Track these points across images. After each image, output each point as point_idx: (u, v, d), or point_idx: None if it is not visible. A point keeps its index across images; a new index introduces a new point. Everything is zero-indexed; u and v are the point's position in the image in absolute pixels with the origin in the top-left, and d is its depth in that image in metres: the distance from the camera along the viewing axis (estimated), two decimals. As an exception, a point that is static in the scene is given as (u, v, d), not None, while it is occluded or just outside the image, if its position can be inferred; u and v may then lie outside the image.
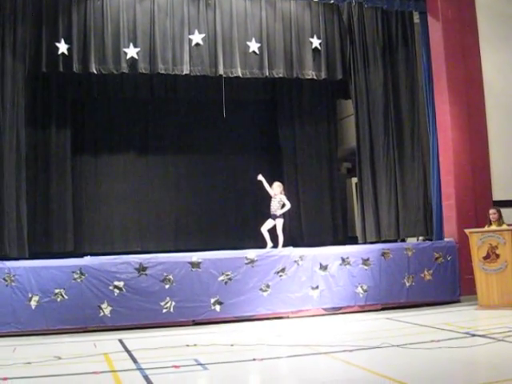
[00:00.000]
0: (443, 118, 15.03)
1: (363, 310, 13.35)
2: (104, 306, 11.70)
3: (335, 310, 13.19)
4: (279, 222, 13.87)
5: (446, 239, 14.63)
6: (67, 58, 13.96)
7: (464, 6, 15.26)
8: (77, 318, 11.56)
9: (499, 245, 12.79)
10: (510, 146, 15.18)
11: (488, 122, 15.07)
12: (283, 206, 13.95)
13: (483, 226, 13.37)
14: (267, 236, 13.86)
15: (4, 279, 11.32)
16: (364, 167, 16.30)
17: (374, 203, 16.11)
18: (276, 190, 14.00)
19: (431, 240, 14.89)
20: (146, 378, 7.74)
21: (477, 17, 15.32)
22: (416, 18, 15.88)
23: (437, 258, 14.04)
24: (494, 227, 13.18)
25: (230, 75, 15.05)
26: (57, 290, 11.50)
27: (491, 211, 13.43)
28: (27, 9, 13.78)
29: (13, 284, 11.35)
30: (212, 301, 12.32)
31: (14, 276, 11.36)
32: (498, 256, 12.80)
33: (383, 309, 13.45)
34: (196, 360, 8.67)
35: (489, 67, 15.26)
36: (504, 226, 13.07)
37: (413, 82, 15.84)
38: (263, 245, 13.77)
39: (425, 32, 15.53)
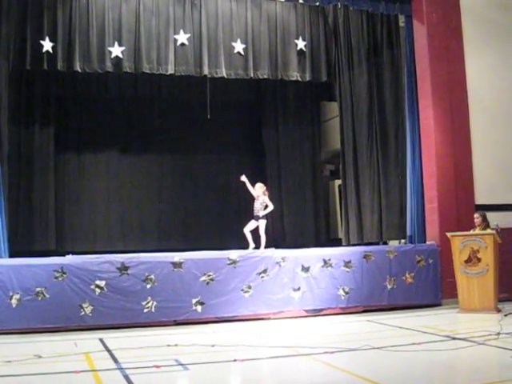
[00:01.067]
0: (426, 121, 15.08)
1: (345, 312, 13.37)
2: (85, 305, 11.66)
3: (317, 312, 13.20)
4: (262, 224, 13.86)
5: (427, 242, 14.67)
6: (52, 56, 13.89)
7: (449, 10, 15.31)
8: (58, 317, 11.51)
9: (480, 248, 12.85)
10: (493, 150, 15.26)
11: (471, 125, 15.13)
12: (266, 207, 13.94)
13: (465, 230, 13.42)
14: (249, 237, 13.86)
15: (-15, 277, 11.29)
16: (348, 169, 16.32)
17: (357, 205, 16.13)
18: (258, 191, 14.00)
19: (413, 243, 14.90)
20: (127, 377, 7.72)
21: (461, 21, 15.38)
22: (401, 22, 15.91)
23: (418, 261, 14.09)
24: (477, 231, 13.23)
25: (215, 75, 15.03)
26: (38, 289, 11.46)
27: (475, 215, 13.50)
28: (12, 5, 13.71)
29: (-6, 282, 11.31)
30: (193, 301, 12.31)
31: (-6, 274, 11.33)
32: (479, 260, 12.86)
33: (365, 311, 13.49)
34: (177, 360, 8.66)
35: (473, 71, 15.32)
36: (488, 231, 13.12)
37: (397, 85, 15.86)
38: (246, 245, 13.78)
39: (409, 35, 15.56)
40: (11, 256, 12.86)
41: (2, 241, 12.75)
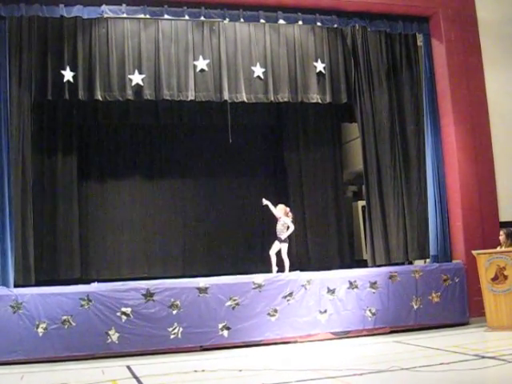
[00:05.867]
0: (448, 139, 15.04)
1: (372, 333, 13.29)
2: (112, 332, 11.68)
3: (344, 334, 13.13)
4: (284, 247, 13.81)
5: (453, 261, 14.59)
6: (73, 86, 14.01)
7: (467, 27, 15.29)
8: (84, 345, 11.53)
9: (507, 266, 12.74)
10: (516, 166, 15.18)
11: (493, 142, 15.06)
12: (288, 228, 13.92)
13: (491, 247, 13.33)
14: (274, 260, 13.83)
15: (11, 306, 11.32)
16: (371, 190, 16.27)
17: (382, 226, 16.05)
18: (279, 213, 13.97)
19: (438, 262, 14.79)
20: (155, 404, 7.72)
21: (480, 38, 15.36)
22: (419, 41, 15.90)
23: (445, 280, 13.99)
24: (503, 249, 13.13)
25: (235, 100, 15.06)
26: (64, 317, 11.49)
27: (500, 232, 13.40)
28: (32, 37, 13.86)
29: (20, 311, 11.34)
30: (220, 326, 12.29)
31: (21, 303, 11.36)
32: (506, 277, 12.75)
33: (392, 332, 13.40)
34: (204, 386, 8.65)
35: (493, 88, 15.28)
36: (514, 248, 13.04)
37: (418, 104, 15.81)
38: (270, 269, 13.75)
39: (428, 54, 15.54)
40: (36, 285, 12.90)
41: (9, 270, 12.58)
